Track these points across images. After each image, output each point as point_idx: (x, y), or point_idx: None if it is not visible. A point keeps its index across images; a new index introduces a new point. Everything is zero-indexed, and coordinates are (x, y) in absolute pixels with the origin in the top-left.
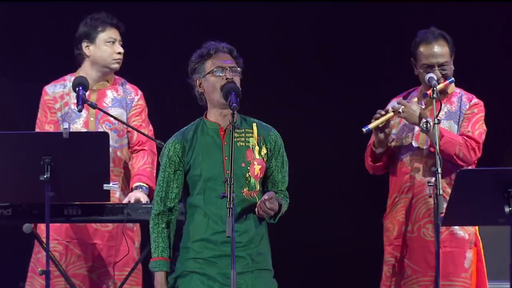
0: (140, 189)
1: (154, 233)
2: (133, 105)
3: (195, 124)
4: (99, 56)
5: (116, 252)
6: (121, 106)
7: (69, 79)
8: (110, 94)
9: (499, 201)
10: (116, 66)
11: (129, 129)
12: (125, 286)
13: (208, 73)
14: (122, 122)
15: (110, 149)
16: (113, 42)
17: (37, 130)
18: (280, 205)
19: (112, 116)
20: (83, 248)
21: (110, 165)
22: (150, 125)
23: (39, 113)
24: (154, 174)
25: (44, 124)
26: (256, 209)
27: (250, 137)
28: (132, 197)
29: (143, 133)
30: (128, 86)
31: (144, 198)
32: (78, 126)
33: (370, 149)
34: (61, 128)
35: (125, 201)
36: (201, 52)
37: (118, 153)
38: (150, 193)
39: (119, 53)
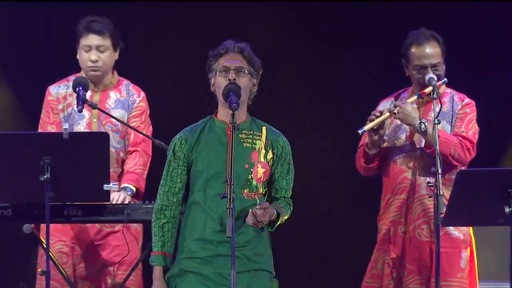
0: (124, 190)
1: (155, 228)
2: (134, 106)
3: (204, 122)
4: (80, 62)
5: (121, 252)
6: (123, 107)
7: (73, 80)
8: (113, 95)
9: (499, 201)
10: (91, 74)
11: (128, 130)
12: (125, 286)
13: (216, 72)
14: (122, 122)
15: (113, 150)
16: (89, 50)
17: (39, 130)
18: (278, 214)
19: (112, 116)
20: (88, 249)
21: (114, 166)
22: (151, 127)
23: (42, 114)
24: (144, 176)
25: (47, 124)
26: (247, 218)
27: (258, 139)
28: (116, 197)
29: (140, 132)
30: (131, 87)
31: (126, 199)
32: (81, 127)
33: (363, 150)
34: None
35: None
36: (214, 51)
37: (121, 154)
38: (138, 194)
39: (92, 61)
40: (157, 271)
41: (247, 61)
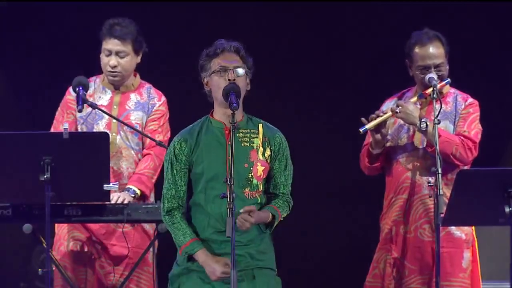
0: (127, 191)
1: (174, 224)
2: (153, 110)
3: (201, 122)
4: (101, 64)
5: (132, 254)
6: (143, 110)
7: (95, 81)
8: (133, 97)
9: (499, 201)
10: (110, 78)
11: (145, 133)
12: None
13: (213, 72)
14: (126, 124)
15: (133, 152)
16: (109, 54)
17: (52, 129)
18: (274, 216)
19: (113, 117)
20: (101, 246)
21: (133, 167)
22: (169, 133)
23: (57, 112)
24: (152, 180)
25: (59, 123)
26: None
27: (255, 137)
28: (115, 197)
29: (145, 134)
30: (153, 91)
31: (126, 200)
32: (100, 127)
33: (367, 149)
34: (76, 129)
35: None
36: (208, 51)
37: (140, 156)
38: (143, 197)
39: (111, 66)
40: (202, 255)
41: (243, 60)
